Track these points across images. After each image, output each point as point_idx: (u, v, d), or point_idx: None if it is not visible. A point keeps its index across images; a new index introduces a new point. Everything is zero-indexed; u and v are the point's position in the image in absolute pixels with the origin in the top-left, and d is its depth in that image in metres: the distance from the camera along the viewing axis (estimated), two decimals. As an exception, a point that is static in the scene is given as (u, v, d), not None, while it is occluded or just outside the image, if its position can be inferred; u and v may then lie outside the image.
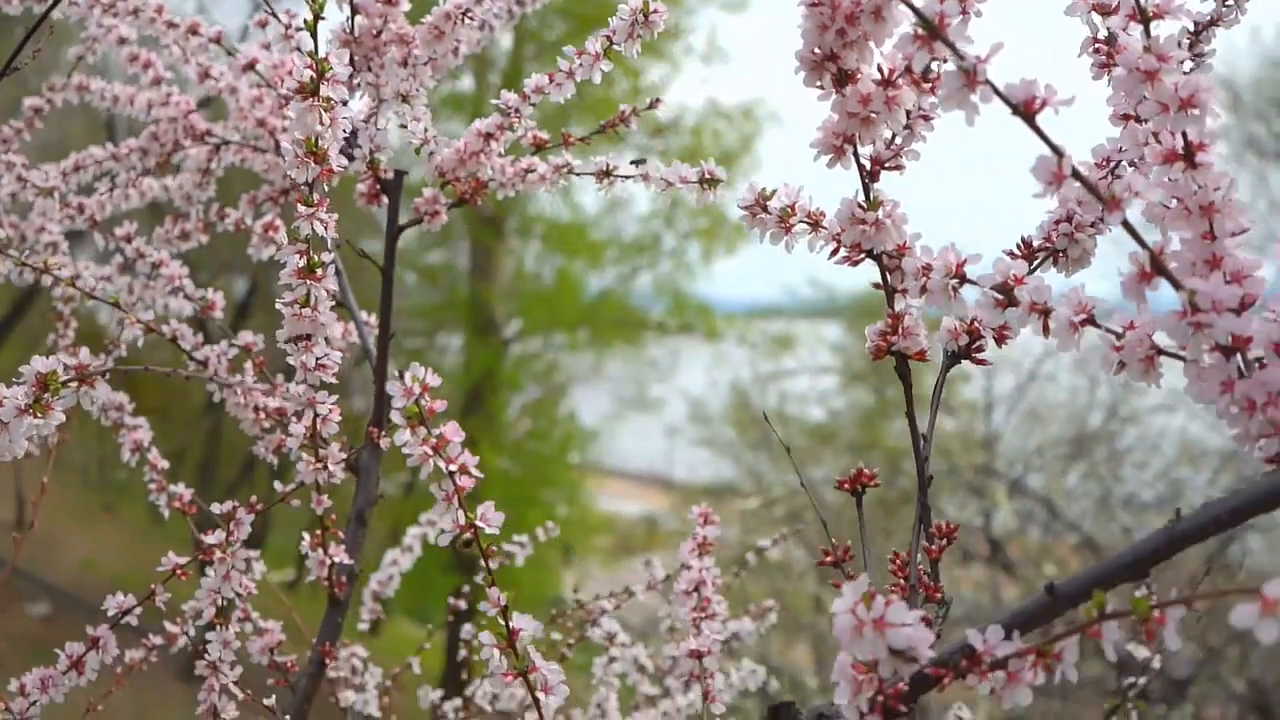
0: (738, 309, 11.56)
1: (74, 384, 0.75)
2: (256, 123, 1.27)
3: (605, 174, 1.07)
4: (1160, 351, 0.63)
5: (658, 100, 1.14)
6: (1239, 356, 0.59)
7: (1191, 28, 0.85)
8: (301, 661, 1.14)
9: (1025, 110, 0.58)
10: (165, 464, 1.19)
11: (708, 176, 0.98)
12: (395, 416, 0.70)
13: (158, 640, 1.24)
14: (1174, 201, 0.64)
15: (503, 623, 0.74)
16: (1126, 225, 0.58)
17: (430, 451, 0.71)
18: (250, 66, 1.13)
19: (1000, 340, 0.79)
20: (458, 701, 1.45)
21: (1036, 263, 0.80)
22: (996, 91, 0.58)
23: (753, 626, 1.66)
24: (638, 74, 11.25)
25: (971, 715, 1.19)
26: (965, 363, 0.79)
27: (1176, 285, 0.59)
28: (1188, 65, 0.85)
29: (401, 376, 0.70)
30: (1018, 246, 0.80)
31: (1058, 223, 0.80)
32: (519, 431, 11.46)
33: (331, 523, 1.08)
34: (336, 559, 1.08)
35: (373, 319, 1.26)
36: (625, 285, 11.58)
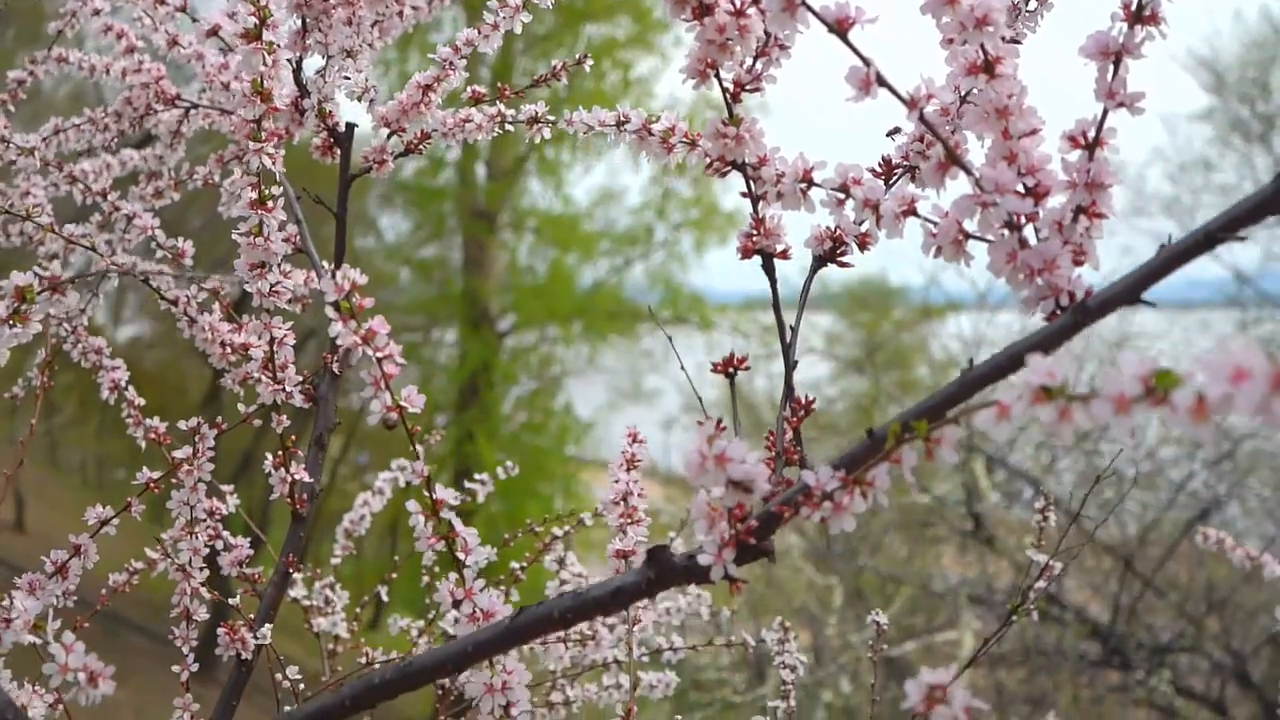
0: (731, 300, 11.67)
1: (46, 293, 0.86)
2: (223, 86, 1.37)
3: (534, 120, 1.19)
4: (968, 235, 0.74)
5: (585, 57, 1.25)
6: (1023, 232, 0.70)
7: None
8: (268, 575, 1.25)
9: (839, 27, 0.69)
10: (141, 401, 1.29)
11: (622, 119, 1.08)
12: (329, 310, 0.81)
13: (139, 565, 1.35)
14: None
15: (427, 493, 0.85)
16: (924, 121, 0.69)
17: (360, 341, 0.82)
18: (213, 32, 1.24)
19: (862, 246, 0.90)
20: (421, 623, 1.56)
21: (895, 178, 0.91)
22: (812, 11, 0.69)
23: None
24: (628, 66, 11.37)
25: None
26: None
27: (968, 172, 0.70)
28: (1032, 4, 0.95)
29: (333, 275, 0.81)
30: (879, 164, 0.91)
31: (913, 142, 0.90)
32: (515, 424, 11.56)
33: (292, 443, 1.19)
34: (297, 477, 1.19)
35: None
36: (618, 277, 11.69)
